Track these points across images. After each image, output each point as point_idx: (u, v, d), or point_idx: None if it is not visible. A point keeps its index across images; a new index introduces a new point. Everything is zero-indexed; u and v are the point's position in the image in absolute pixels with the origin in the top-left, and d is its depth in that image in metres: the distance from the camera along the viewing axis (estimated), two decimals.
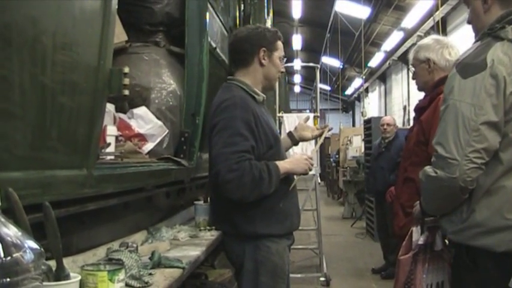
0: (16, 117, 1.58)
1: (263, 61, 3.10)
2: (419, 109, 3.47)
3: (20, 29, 1.55)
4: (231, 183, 2.79)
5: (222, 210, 3.08)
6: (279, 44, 3.18)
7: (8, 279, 1.08)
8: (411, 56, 3.54)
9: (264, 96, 3.17)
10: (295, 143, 3.52)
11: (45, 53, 1.70)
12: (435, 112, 3.15)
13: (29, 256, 1.13)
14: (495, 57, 2.25)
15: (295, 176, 3.16)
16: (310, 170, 3.16)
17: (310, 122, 3.73)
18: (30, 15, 1.60)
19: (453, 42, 3.51)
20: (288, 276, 3.16)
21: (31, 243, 1.16)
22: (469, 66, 2.31)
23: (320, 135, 3.62)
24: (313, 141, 3.61)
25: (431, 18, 15.46)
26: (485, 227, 2.26)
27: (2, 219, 1.15)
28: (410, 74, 3.82)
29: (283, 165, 2.98)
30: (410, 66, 3.57)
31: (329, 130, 3.71)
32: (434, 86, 3.34)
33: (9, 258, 1.09)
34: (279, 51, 3.16)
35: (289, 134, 3.57)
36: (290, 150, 3.81)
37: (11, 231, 1.14)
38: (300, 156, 3.16)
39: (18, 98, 1.58)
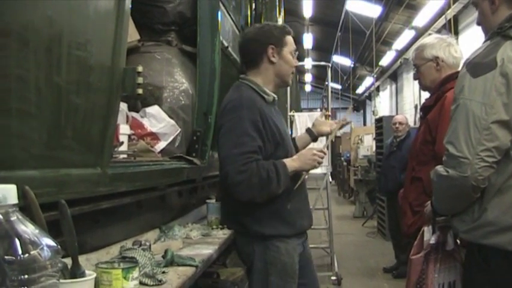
0: (32, 117, 1.60)
1: (273, 58, 3.07)
2: (425, 108, 3.46)
3: (36, 30, 1.58)
4: (240, 185, 2.78)
5: (232, 210, 3.08)
6: (288, 38, 3.13)
7: (26, 276, 1.09)
8: (413, 56, 3.52)
9: (275, 96, 3.15)
10: (314, 138, 3.49)
11: (60, 53, 1.72)
12: (442, 111, 3.15)
13: (46, 253, 1.14)
14: (505, 56, 2.25)
15: (303, 172, 3.13)
16: (320, 163, 3.09)
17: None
18: (46, 15, 1.62)
19: (454, 40, 3.51)
20: (314, 269, 3.26)
21: (48, 241, 1.17)
22: (479, 65, 2.31)
23: (339, 128, 3.57)
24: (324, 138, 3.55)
25: (443, 16, 15.38)
26: (497, 225, 2.26)
27: (20, 217, 1.16)
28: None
29: (291, 163, 2.95)
30: (413, 66, 3.53)
31: (347, 123, 3.67)
32: (440, 85, 3.32)
33: (26, 255, 1.10)
34: (289, 46, 3.12)
35: (308, 130, 3.54)
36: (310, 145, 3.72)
37: (28, 229, 1.16)
38: (307, 152, 3.08)
39: (34, 98, 1.60)
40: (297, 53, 3.20)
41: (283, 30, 3.15)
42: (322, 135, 3.50)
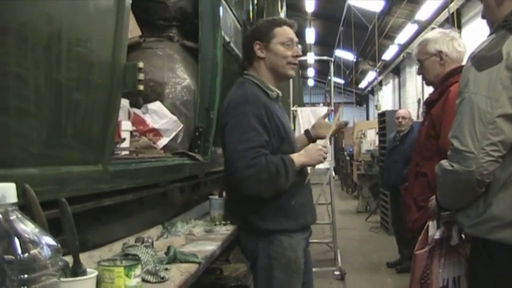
0: (31, 114, 1.59)
1: (260, 54, 3.08)
2: (429, 103, 3.45)
3: (35, 27, 1.56)
4: (249, 179, 2.78)
5: (235, 207, 3.09)
6: (279, 30, 3.09)
7: (26, 276, 1.07)
8: (417, 50, 3.52)
9: (279, 92, 3.14)
10: (311, 140, 3.50)
11: (60, 50, 1.70)
12: (445, 105, 3.15)
13: (46, 252, 1.13)
14: (511, 49, 2.24)
15: (309, 170, 3.14)
16: (325, 158, 3.11)
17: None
18: (45, 12, 1.60)
19: (457, 34, 3.50)
20: (311, 270, 3.20)
21: (48, 240, 1.16)
22: (484, 58, 2.29)
23: (337, 132, 3.61)
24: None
25: (446, 10, 15.33)
26: (502, 220, 2.25)
27: (19, 216, 1.15)
28: None
29: (298, 158, 2.96)
30: (417, 61, 3.53)
31: (346, 125, 3.69)
32: (443, 79, 3.32)
33: (26, 254, 1.09)
34: (279, 37, 3.08)
35: (306, 132, 3.55)
36: None
37: (28, 228, 1.14)
38: (312, 147, 3.11)
39: (33, 95, 1.58)
40: (295, 41, 3.15)
41: (271, 23, 3.13)
42: (320, 138, 3.50)
